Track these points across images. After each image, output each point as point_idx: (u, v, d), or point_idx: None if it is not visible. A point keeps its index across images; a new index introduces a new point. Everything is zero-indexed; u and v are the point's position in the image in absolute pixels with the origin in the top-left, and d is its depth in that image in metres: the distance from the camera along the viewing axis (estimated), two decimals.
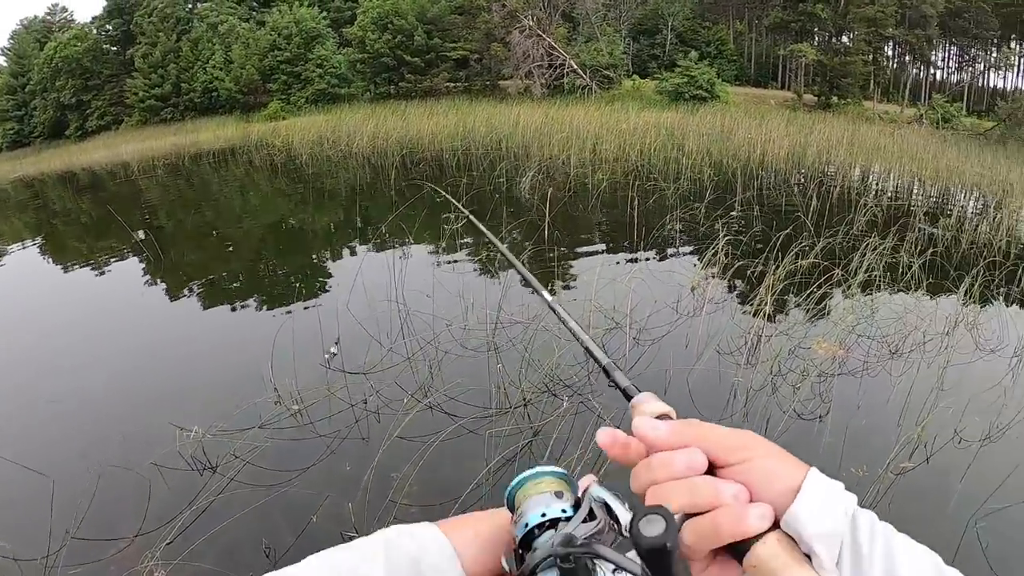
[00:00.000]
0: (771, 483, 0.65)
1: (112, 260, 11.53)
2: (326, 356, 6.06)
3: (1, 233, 16.81)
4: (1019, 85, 58.57)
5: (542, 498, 0.70)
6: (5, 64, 63.84)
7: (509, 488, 0.73)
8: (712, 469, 0.67)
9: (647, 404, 0.77)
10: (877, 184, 17.67)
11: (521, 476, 0.73)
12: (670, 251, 9.86)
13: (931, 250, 8.75)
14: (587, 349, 0.89)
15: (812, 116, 33.79)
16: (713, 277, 8.08)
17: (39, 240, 15.26)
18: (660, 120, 25.88)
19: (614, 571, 0.64)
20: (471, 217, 1.65)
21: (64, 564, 3.74)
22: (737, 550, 0.64)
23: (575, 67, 42.85)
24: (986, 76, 60.55)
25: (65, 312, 8.90)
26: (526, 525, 0.68)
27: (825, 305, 7.22)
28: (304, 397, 5.31)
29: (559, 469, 0.73)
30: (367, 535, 0.74)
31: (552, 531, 0.67)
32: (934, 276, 8.24)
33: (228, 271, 10.38)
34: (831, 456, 4.45)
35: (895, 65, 59.22)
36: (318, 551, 0.72)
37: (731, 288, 8.04)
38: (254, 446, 4.72)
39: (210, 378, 6.32)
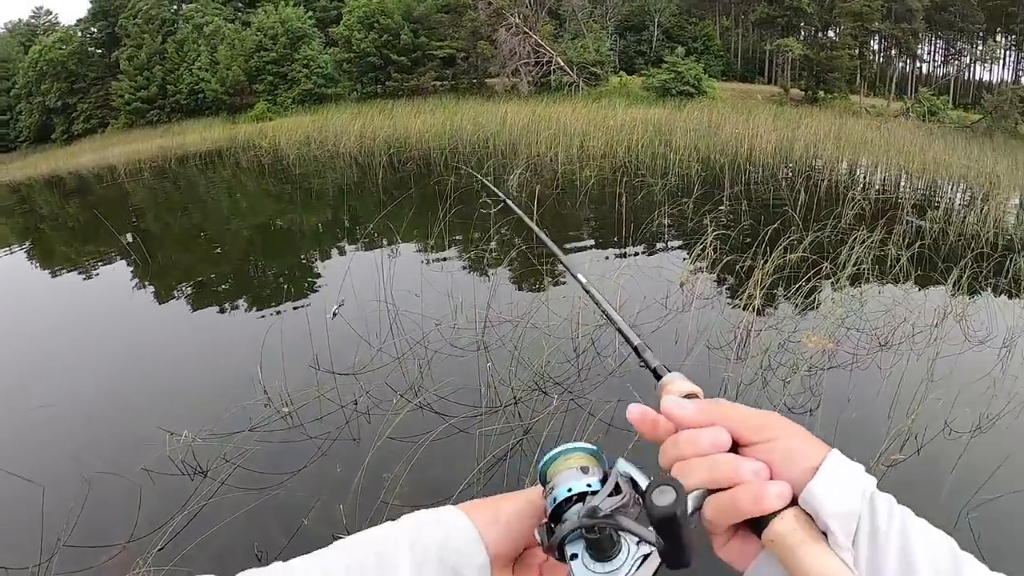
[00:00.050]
0: (792, 462, 0.66)
1: (100, 264, 11.48)
2: (329, 315, 6.04)
3: None
4: (1005, 78, 58.82)
5: (570, 473, 0.72)
6: None
7: (541, 464, 0.76)
8: (736, 447, 0.69)
9: (676, 383, 0.79)
10: (865, 178, 17.75)
11: (553, 452, 0.76)
12: (659, 247, 9.87)
13: (919, 243, 8.78)
14: (619, 330, 0.94)
15: (799, 111, 33.89)
16: (702, 272, 8.08)
17: (26, 245, 15.15)
18: (647, 116, 25.92)
19: (638, 542, 0.67)
20: (508, 202, 1.65)
21: (56, 572, 3.72)
22: (757, 525, 0.66)
23: (562, 64, 42.88)
24: (972, 69, 60.88)
25: (53, 317, 8.86)
26: (555, 499, 0.70)
27: (814, 299, 7.25)
28: (294, 399, 5.29)
29: (589, 445, 0.75)
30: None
31: (580, 504, 0.69)
32: (922, 268, 8.27)
33: (216, 273, 10.34)
34: None
35: (881, 59, 59.47)
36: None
37: (720, 283, 8.04)
38: (244, 449, 4.70)
39: (199, 381, 6.28)
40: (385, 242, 10.32)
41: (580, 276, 1.05)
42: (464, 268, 9.09)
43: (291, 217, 14.55)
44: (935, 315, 6.77)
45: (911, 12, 49.64)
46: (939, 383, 5.35)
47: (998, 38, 57.16)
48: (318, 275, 9.88)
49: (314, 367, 5.86)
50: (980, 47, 57.17)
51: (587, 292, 1.04)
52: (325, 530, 3.86)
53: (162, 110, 52.75)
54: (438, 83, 47.67)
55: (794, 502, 0.65)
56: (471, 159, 18.67)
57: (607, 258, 9.34)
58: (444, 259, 9.49)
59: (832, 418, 4.84)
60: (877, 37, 54.60)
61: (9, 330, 8.46)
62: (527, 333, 6.31)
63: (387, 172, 18.01)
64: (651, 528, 0.61)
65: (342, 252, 10.92)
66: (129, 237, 12.41)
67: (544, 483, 0.75)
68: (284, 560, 0.69)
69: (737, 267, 7.89)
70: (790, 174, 15.89)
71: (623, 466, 0.71)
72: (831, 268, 7.56)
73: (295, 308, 7.92)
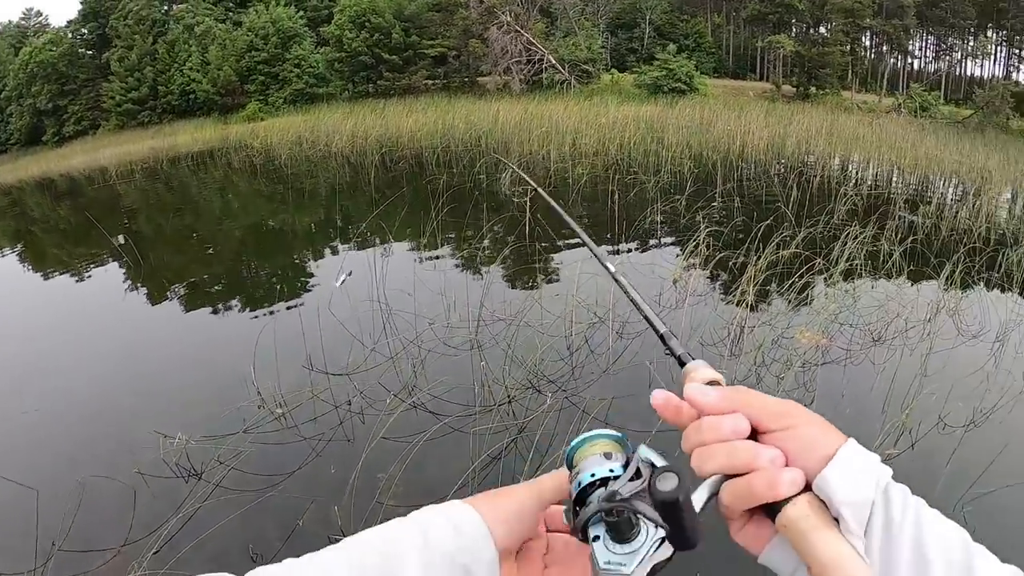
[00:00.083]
0: (809, 450, 0.68)
1: (92, 266, 11.43)
2: (337, 284, 6.01)
3: None
4: (996, 73, 58.95)
5: (594, 459, 0.75)
6: None
7: (568, 449, 0.78)
8: (756, 434, 0.71)
9: (699, 371, 0.82)
10: (857, 173, 17.78)
11: (579, 438, 0.78)
12: (651, 244, 9.87)
13: (911, 238, 8.80)
14: (647, 318, 0.96)
15: (791, 107, 33.98)
16: (695, 269, 8.09)
17: (18, 248, 15.09)
18: (639, 113, 25.95)
19: (656, 525, 0.69)
20: (539, 190, 1.65)
21: None
22: (771, 510, 0.68)
23: (553, 62, 42.88)
24: (963, 65, 61.06)
25: (45, 319, 8.82)
26: (580, 483, 0.73)
27: (807, 294, 7.26)
28: (288, 400, 5.28)
29: (614, 432, 0.78)
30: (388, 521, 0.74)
31: (603, 489, 0.71)
32: (915, 263, 8.29)
33: (209, 274, 10.31)
34: None
35: (873, 55, 59.56)
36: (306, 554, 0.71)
37: (713, 280, 8.05)
38: (239, 451, 4.68)
39: (193, 382, 6.26)
40: (378, 241, 10.30)
41: (609, 264, 1.09)
42: (457, 267, 9.09)
43: (283, 217, 14.53)
44: (928, 310, 6.78)
45: (902, 8, 49.73)
46: (933, 378, 5.36)
47: (989, 33, 57.31)
48: (311, 275, 9.85)
49: (307, 367, 5.84)
50: (971, 43, 57.30)
51: (616, 281, 1.08)
52: (320, 531, 3.85)
53: (153, 111, 52.52)
54: (430, 82, 47.63)
55: (809, 489, 0.67)
56: (463, 158, 18.65)
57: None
58: (437, 258, 9.48)
59: (826, 414, 4.71)
60: (868, 33, 54.70)
61: (1, 333, 8.42)
62: (520, 331, 6.31)
63: (379, 171, 17.98)
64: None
65: (335, 252, 10.90)
66: (121, 239, 12.37)
67: (570, 468, 0.77)
68: (283, 560, 0.68)
69: (730, 264, 7.89)
70: (782, 170, 15.93)
71: (644, 452, 0.73)
72: (824, 264, 7.57)
73: (288, 308, 7.90)
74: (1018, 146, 26.34)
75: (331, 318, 6.77)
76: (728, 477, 0.70)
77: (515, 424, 4.83)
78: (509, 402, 5.13)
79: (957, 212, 11.13)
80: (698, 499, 0.70)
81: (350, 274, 6.22)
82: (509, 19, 42.56)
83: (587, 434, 0.78)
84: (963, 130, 31.67)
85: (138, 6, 52.84)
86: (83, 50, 58.14)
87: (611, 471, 0.73)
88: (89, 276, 10.93)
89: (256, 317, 7.86)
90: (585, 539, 0.71)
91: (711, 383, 0.78)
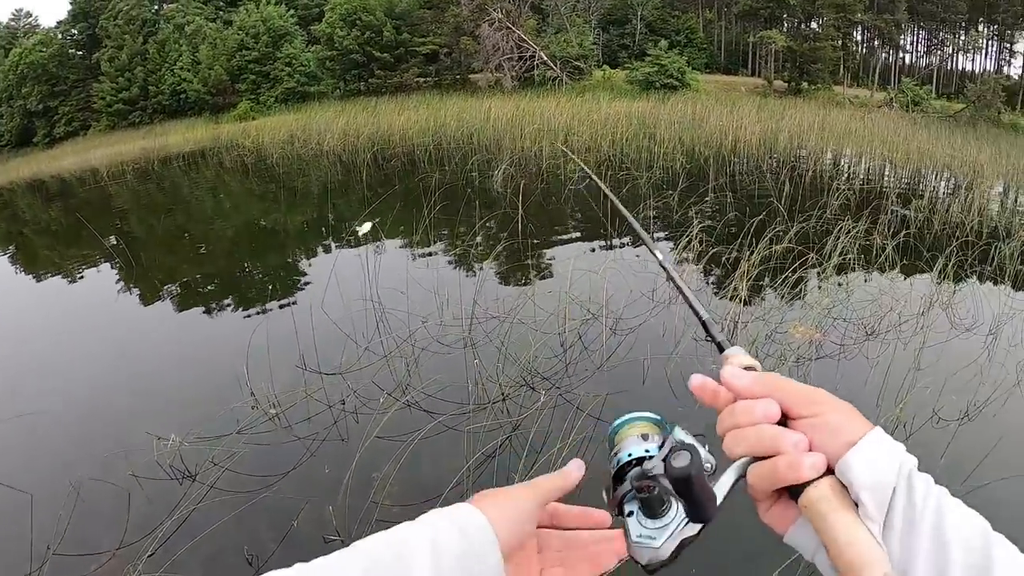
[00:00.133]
0: (834, 436, 0.70)
1: (84, 267, 11.38)
2: (360, 232, 5.96)
3: None
4: (987, 67, 59.15)
5: (632, 440, 0.80)
6: None
7: (610, 429, 0.84)
8: (786, 419, 0.74)
9: (736, 357, 0.83)
10: (849, 168, 17.84)
11: (620, 420, 0.83)
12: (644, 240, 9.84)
13: (904, 232, 8.82)
14: (691, 306, 1.00)
15: (783, 102, 34.03)
16: (688, 264, 8.10)
17: (9, 250, 15.03)
18: (631, 110, 25.92)
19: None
20: (592, 176, 1.65)
21: None
22: (795, 492, 0.71)
23: (545, 59, 42.87)
24: (955, 59, 61.26)
25: (38, 321, 8.79)
26: (618, 462, 0.79)
27: (800, 289, 7.26)
28: (281, 400, 5.26)
29: (653, 415, 0.83)
30: (363, 533, 0.73)
31: (638, 468, 0.76)
32: (908, 257, 8.31)
33: (201, 274, 10.28)
34: None
35: (864, 50, 59.72)
36: (301, 556, 0.71)
37: (706, 275, 8.06)
38: (232, 452, 4.67)
39: (186, 383, 6.23)
40: (370, 238, 10.28)
41: (658, 253, 1.12)
42: (450, 264, 9.07)
43: (275, 216, 14.49)
44: (921, 304, 6.80)
45: (893, 3, 49.94)
46: (926, 371, 5.37)
47: (980, 28, 57.51)
48: (304, 274, 9.82)
49: (301, 367, 5.82)
50: (962, 37, 57.48)
51: (663, 268, 1.12)
52: (315, 532, 3.85)
53: (144, 111, 52.42)
54: (421, 79, 47.58)
55: (833, 473, 0.69)
56: (455, 155, 18.63)
57: (593, 251, 9.34)
58: (430, 256, 9.47)
59: None
60: (860, 28, 54.84)
61: None
62: (514, 329, 6.30)
63: (371, 170, 17.97)
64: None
65: (327, 250, 10.87)
66: (113, 240, 12.34)
67: (611, 447, 0.82)
68: (278, 563, 0.68)
69: (723, 259, 7.89)
70: (775, 165, 15.95)
71: (679, 434, 0.78)
72: (817, 258, 7.58)
73: (281, 307, 7.88)
74: (1009, 139, 26.47)
75: (324, 317, 6.76)
76: (756, 460, 0.73)
77: (509, 422, 4.82)
78: (503, 400, 5.12)
79: (949, 206, 11.16)
80: (727, 480, 0.74)
81: (376, 222, 6.15)
82: (500, 16, 42.52)
83: (627, 416, 0.83)
84: (955, 124, 31.78)
85: (128, 6, 52.73)
86: (73, 51, 58.00)
87: (647, 451, 0.78)
88: (81, 277, 10.89)
89: (249, 317, 7.84)
90: (620, 514, 0.77)
91: (747, 368, 0.80)
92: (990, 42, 59.31)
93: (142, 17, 53.55)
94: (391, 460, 4.21)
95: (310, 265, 10.36)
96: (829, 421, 0.71)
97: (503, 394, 5.16)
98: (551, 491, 0.83)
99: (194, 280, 9.95)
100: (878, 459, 0.68)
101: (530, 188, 13.12)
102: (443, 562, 0.69)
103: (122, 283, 10.18)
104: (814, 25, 51.68)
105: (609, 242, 9.67)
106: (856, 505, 0.67)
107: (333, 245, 11.04)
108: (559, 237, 10.31)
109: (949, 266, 7.45)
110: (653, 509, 0.74)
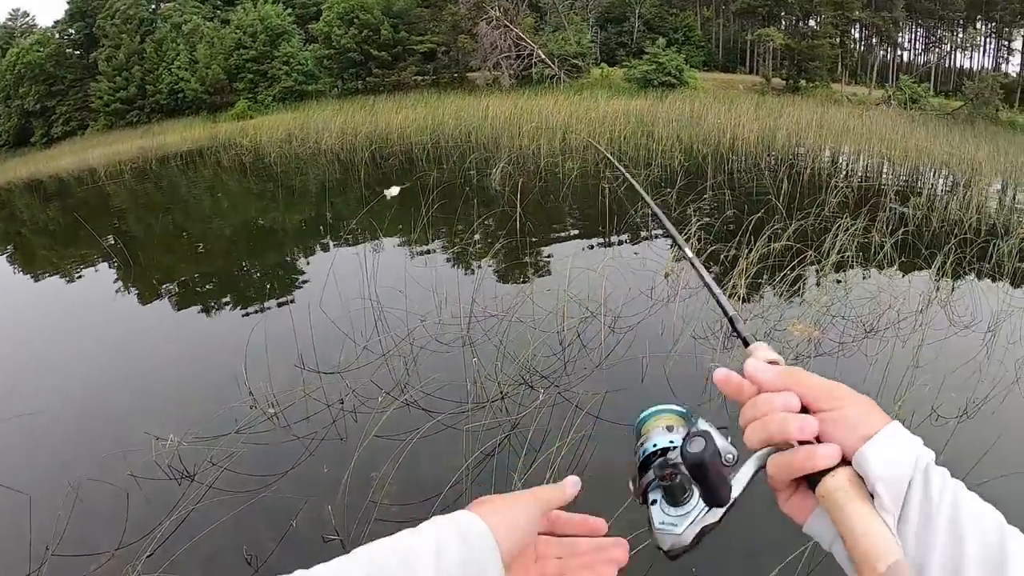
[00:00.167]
0: (853, 428, 0.72)
1: (82, 267, 11.36)
2: (389, 195, 5.92)
3: None
4: (985, 65, 59.20)
5: (657, 431, 0.84)
6: None
7: (637, 421, 0.87)
8: (806, 413, 0.75)
9: (760, 351, 0.85)
10: (847, 165, 17.84)
11: (647, 412, 0.87)
12: (643, 238, 9.87)
13: (903, 229, 8.82)
14: (719, 302, 1.00)
15: (781, 100, 34.02)
16: (686, 260, 8.08)
17: (7, 250, 15.00)
18: (629, 108, 25.91)
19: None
20: (627, 175, 1.64)
21: None
22: (813, 483, 0.73)
23: (543, 57, 42.83)
24: (952, 56, 61.29)
25: (36, 321, 8.78)
26: (644, 452, 0.83)
27: (799, 287, 7.27)
28: (280, 399, 5.26)
29: (679, 407, 0.86)
30: (357, 540, 0.73)
31: (663, 458, 0.80)
32: (906, 255, 8.31)
33: (199, 273, 10.27)
34: None
35: (862, 47, 59.80)
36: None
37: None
38: (231, 452, 4.66)
39: (184, 383, 6.22)
40: (368, 237, 10.28)
41: (687, 250, 1.13)
42: (448, 263, 9.07)
43: (273, 215, 14.48)
44: (920, 301, 6.79)
45: (891, 0, 49.86)
46: (925, 369, 5.36)
47: (978, 25, 57.55)
48: (302, 273, 9.82)
49: (299, 366, 5.81)
50: (960, 34, 57.50)
51: (693, 266, 1.13)
52: (314, 531, 3.84)
53: (142, 111, 52.34)
54: (419, 78, 47.49)
55: (848, 464, 0.71)
56: (454, 153, 18.61)
57: (592, 248, 9.34)
58: (428, 254, 9.47)
59: None
60: (858, 25, 54.91)
61: None
62: (512, 327, 6.30)
63: (369, 168, 17.95)
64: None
65: (325, 249, 10.86)
66: (111, 239, 12.33)
67: (637, 438, 0.86)
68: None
69: (721, 257, 7.89)
70: (773, 163, 15.95)
71: (703, 425, 0.79)
72: (815, 256, 7.58)
73: (279, 306, 7.88)
74: (1007, 137, 26.48)
75: (322, 316, 6.75)
76: (777, 451, 0.76)
77: (508, 420, 4.82)
78: (502, 398, 5.12)
79: (948, 203, 11.16)
80: (747, 470, 0.76)
81: (404, 185, 6.13)
82: (498, 14, 42.49)
83: (654, 408, 0.87)
84: (953, 122, 31.82)
85: (125, 5, 52.66)
86: (70, 50, 57.96)
87: (671, 442, 0.82)
88: (79, 277, 10.87)
89: (247, 316, 7.84)
90: (645, 502, 0.80)
91: (771, 363, 0.82)
92: (988, 39, 59.37)
93: (139, 16, 53.48)
94: (390, 459, 4.21)
95: (308, 264, 10.36)
96: (848, 414, 0.73)
97: (502, 393, 5.16)
98: (550, 501, 0.84)
99: (192, 279, 9.94)
100: (894, 452, 0.69)
101: (528, 186, 13.11)
102: (445, 568, 0.69)
103: (120, 282, 10.17)
104: (812, 23, 51.72)
105: (607, 240, 9.66)
106: (872, 497, 0.69)
107: (331, 244, 11.04)
108: (557, 235, 10.31)
109: (947, 263, 7.46)
110: (675, 497, 0.77)
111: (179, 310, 8.60)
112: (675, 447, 0.80)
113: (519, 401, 5.06)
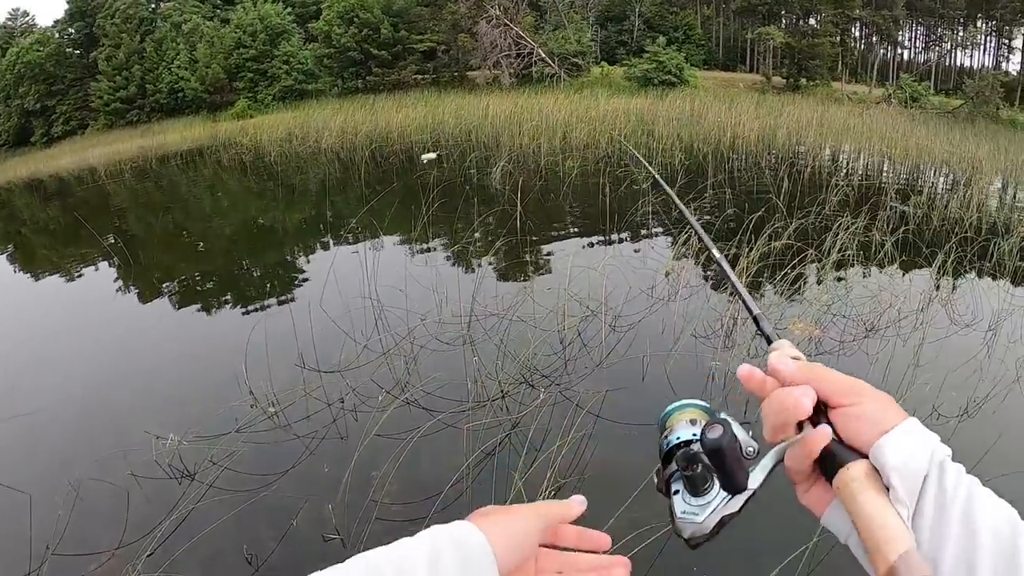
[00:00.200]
0: (872, 424, 0.73)
1: (82, 267, 11.36)
2: (423, 160, 5.87)
3: None
4: (986, 63, 59.17)
5: (681, 425, 0.86)
6: None
7: (662, 415, 0.89)
8: (827, 408, 0.77)
9: (783, 348, 0.87)
10: (848, 164, 17.83)
11: (671, 406, 0.89)
12: (643, 236, 9.86)
13: (903, 228, 8.82)
14: (744, 301, 1.02)
15: (781, 98, 34.02)
16: (686, 258, 8.09)
17: (8, 250, 15.00)
18: (630, 106, 25.91)
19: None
20: (657, 177, 1.63)
21: None
22: (830, 475, 0.74)
23: (543, 56, 42.80)
24: (953, 55, 61.23)
25: (36, 320, 8.78)
26: (668, 444, 0.85)
27: (800, 285, 7.26)
28: (280, 398, 5.25)
29: (702, 402, 0.88)
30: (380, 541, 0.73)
31: (685, 449, 0.82)
32: (907, 254, 8.31)
33: (200, 272, 10.27)
34: None
35: (863, 46, 59.76)
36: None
37: (705, 272, 8.04)
38: (231, 451, 4.66)
39: (184, 382, 6.22)
40: (368, 236, 10.27)
41: (715, 250, 1.13)
42: (449, 261, 9.07)
43: (274, 214, 14.48)
44: (921, 300, 6.79)
45: None
46: (926, 368, 5.36)
47: (979, 24, 57.51)
48: (302, 272, 9.82)
49: (299, 365, 5.81)
50: (961, 33, 57.45)
51: (720, 266, 1.12)
52: (315, 531, 3.83)
53: (142, 110, 52.29)
54: (419, 77, 47.47)
55: (867, 457, 0.72)
56: (454, 152, 18.60)
57: (592, 248, 9.33)
58: (428, 253, 9.46)
59: None
60: (858, 24, 54.86)
61: None
62: (513, 326, 6.30)
63: (369, 167, 17.95)
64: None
65: (326, 248, 10.86)
66: (111, 239, 12.33)
67: (661, 431, 0.88)
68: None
69: (722, 255, 7.87)
70: (773, 162, 15.92)
71: (722, 416, 0.80)
72: (816, 255, 7.57)
73: (279, 305, 7.88)
74: (1008, 135, 26.46)
75: (322, 315, 6.75)
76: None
77: (509, 419, 4.82)
78: (503, 397, 5.12)
79: (948, 202, 11.15)
80: (766, 463, 0.78)
81: (437, 153, 6.10)
82: (498, 13, 42.46)
83: (678, 402, 0.89)
84: (953, 120, 31.81)
85: (125, 5, 52.60)
86: (70, 50, 57.89)
87: (694, 435, 0.83)
88: (79, 276, 10.87)
89: (247, 314, 7.83)
90: (668, 493, 0.82)
91: (793, 359, 0.83)
92: (988, 38, 59.31)
93: (139, 16, 53.43)
94: (390, 458, 4.20)
95: (308, 263, 10.36)
96: (867, 410, 0.74)
97: (502, 391, 5.16)
98: (553, 516, 0.84)
99: (192, 278, 9.95)
100: (911, 446, 0.70)
101: (529, 185, 13.12)
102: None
103: (120, 281, 10.17)
104: (812, 21, 51.69)
105: (608, 238, 9.66)
106: (887, 489, 0.69)
107: (331, 242, 11.04)
108: (558, 234, 10.31)
109: (948, 262, 7.45)
110: (696, 487, 0.79)
111: (179, 309, 8.60)
112: (697, 439, 0.82)
113: (520, 400, 5.06)
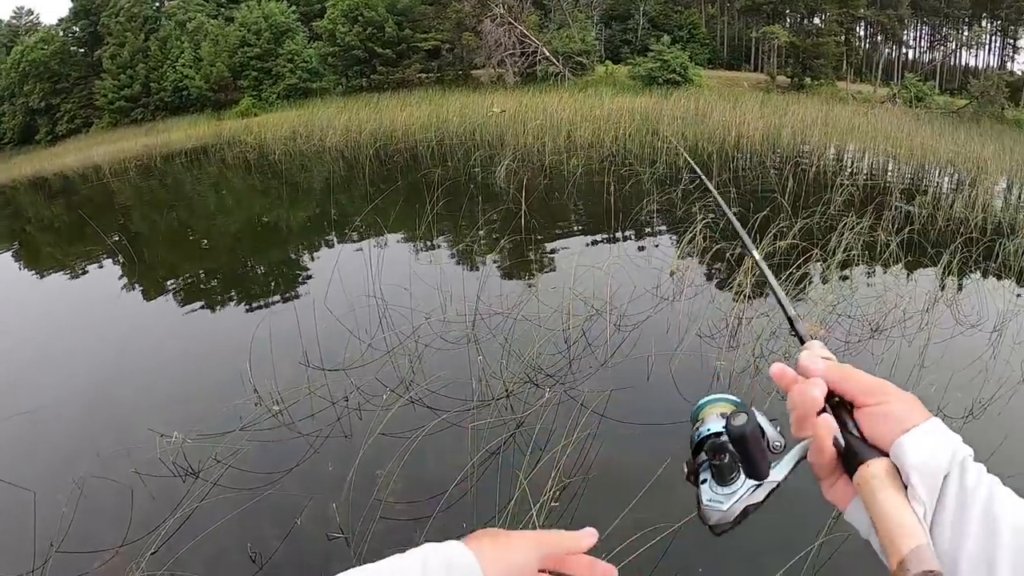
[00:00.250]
0: (895, 423, 0.74)
1: (87, 265, 11.39)
2: (497, 110, 5.85)
3: None
4: (991, 63, 59.05)
5: (712, 417, 0.89)
6: None
7: (694, 408, 0.93)
8: (852, 408, 0.79)
9: (815, 349, 0.88)
10: (852, 164, 17.80)
11: (703, 400, 0.93)
12: (648, 236, 9.85)
13: (908, 228, 8.80)
14: (779, 302, 1.03)
15: (786, 98, 33.93)
16: (691, 257, 8.08)
17: (12, 247, 15.02)
18: (634, 105, 25.90)
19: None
20: (703, 177, 1.62)
21: None
22: (852, 471, 0.76)
23: (547, 54, 42.76)
24: (958, 54, 61.14)
25: (40, 318, 8.79)
26: (699, 435, 0.89)
27: (805, 285, 7.24)
28: (284, 397, 5.25)
29: (733, 397, 0.91)
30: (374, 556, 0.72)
31: (713, 440, 0.86)
32: (912, 254, 8.28)
33: (204, 270, 10.28)
34: None
35: (867, 45, 59.70)
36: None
37: (710, 271, 8.03)
38: (236, 449, 4.66)
39: (189, 380, 6.22)
40: (373, 234, 10.27)
41: (755, 251, 1.15)
42: (453, 260, 9.06)
43: (278, 213, 14.47)
44: (926, 300, 6.77)
45: None
46: (931, 368, 5.35)
47: (984, 23, 57.40)
48: (306, 270, 9.83)
49: (304, 364, 5.80)
50: (966, 32, 57.39)
51: (759, 267, 1.15)
52: (319, 529, 3.83)
53: (146, 108, 52.27)
54: (423, 75, 47.42)
55: (888, 456, 0.74)
56: (458, 151, 18.59)
57: (597, 246, 9.32)
58: (433, 251, 9.45)
59: None
60: (863, 23, 54.78)
61: None
62: (518, 325, 6.29)
63: (374, 165, 17.95)
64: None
65: (330, 246, 10.87)
66: (116, 237, 12.34)
67: (693, 423, 0.92)
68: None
69: (727, 255, 7.87)
70: (778, 161, 15.90)
71: (755, 415, 0.83)
72: (821, 255, 7.55)
73: (284, 303, 7.88)
74: (1013, 135, 26.41)
75: (327, 313, 6.74)
76: None
77: (513, 418, 4.81)
78: (507, 396, 5.11)
79: (953, 202, 11.13)
80: (791, 457, 0.82)
81: (503, 111, 6.09)
82: (502, 12, 42.43)
83: (710, 397, 0.93)
84: (958, 120, 31.76)
85: (129, 3, 52.56)
86: (75, 48, 57.83)
87: (723, 427, 0.85)
88: (84, 273, 10.89)
89: (251, 313, 7.83)
90: (696, 482, 0.86)
91: (824, 360, 0.84)
92: (993, 38, 59.21)
93: (144, 14, 53.42)
94: (395, 457, 4.20)
95: (313, 261, 10.36)
96: (891, 410, 0.75)
97: (507, 391, 5.15)
98: (555, 546, 0.83)
99: (197, 276, 9.95)
100: (931, 445, 0.71)
101: (533, 183, 13.11)
102: None
103: (125, 279, 10.18)
104: (817, 20, 51.54)
105: (613, 237, 9.65)
106: (906, 487, 0.71)
107: (336, 241, 11.04)
108: (562, 232, 10.30)
109: (953, 262, 7.43)
110: (723, 476, 0.82)
111: (183, 307, 8.59)
112: (725, 430, 0.84)
113: (524, 399, 5.06)
